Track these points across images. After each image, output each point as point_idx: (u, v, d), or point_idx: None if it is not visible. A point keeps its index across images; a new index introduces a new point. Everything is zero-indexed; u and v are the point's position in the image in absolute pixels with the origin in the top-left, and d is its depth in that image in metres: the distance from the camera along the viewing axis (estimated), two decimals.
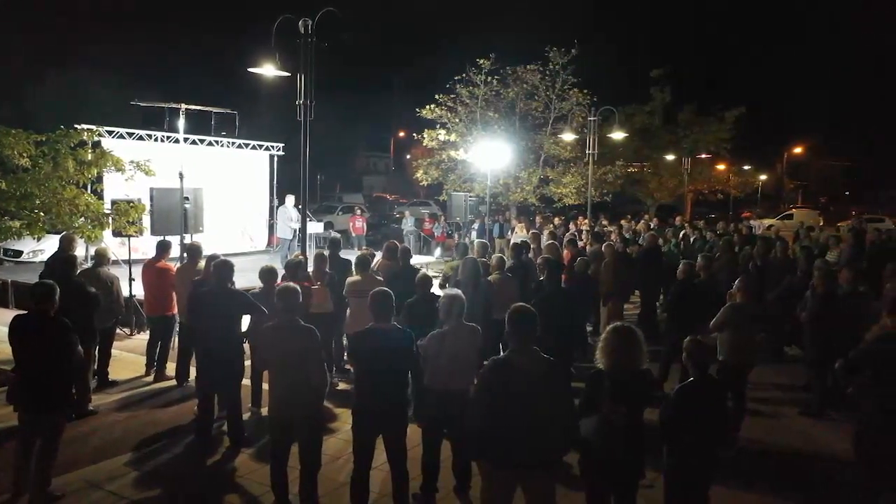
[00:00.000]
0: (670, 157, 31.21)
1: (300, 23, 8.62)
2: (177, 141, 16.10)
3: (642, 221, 20.04)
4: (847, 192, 69.18)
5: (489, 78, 21.46)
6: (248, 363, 6.63)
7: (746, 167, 42.08)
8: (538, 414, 3.73)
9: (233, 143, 19.00)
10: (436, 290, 7.42)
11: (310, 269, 8.13)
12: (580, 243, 12.66)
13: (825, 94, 74.78)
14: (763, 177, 49.19)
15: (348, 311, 7.85)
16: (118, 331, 9.19)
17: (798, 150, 61.75)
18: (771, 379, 8.43)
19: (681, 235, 15.46)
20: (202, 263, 7.77)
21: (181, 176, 10.25)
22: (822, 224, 32.24)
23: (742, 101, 30.98)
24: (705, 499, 4.25)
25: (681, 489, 4.19)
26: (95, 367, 7.78)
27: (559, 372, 3.97)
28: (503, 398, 3.78)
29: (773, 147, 57.05)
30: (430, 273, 9.10)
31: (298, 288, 5.07)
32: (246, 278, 9.00)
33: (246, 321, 6.72)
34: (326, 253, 8.64)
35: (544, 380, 3.80)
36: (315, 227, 18.01)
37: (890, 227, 26.13)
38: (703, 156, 32.97)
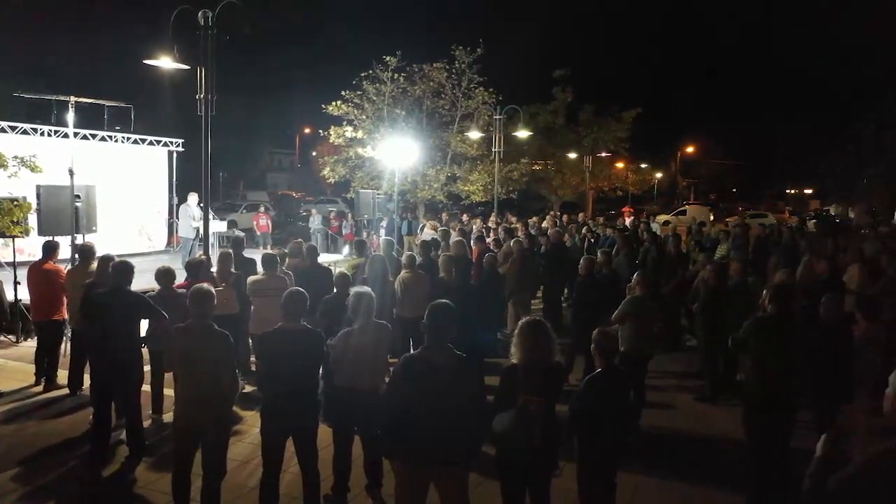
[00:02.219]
0: (573, 156, 32.20)
1: (199, 14, 8.33)
2: (66, 136, 15.17)
3: (548, 218, 20.56)
4: (734, 190, 73.56)
5: (396, 75, 21.44)
6: (147, 368, 6.36)
7: (644, 165, 44.00)
8: (450, 411, 3.75)
9: (128, 139, 18.12)
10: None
11: (213, 269, 7.88)
12: (488, 240, 12.85)
13: (715, 97, 79.18)
14: (659, 175, 51.64)
15: (252, 311, 7.66)
16: (2, 338, 8.61)
17: (690, 149, 65.17)
18: (668, 367, 8.84)
19: (584, 231, 16.00)
20: (95, 265, 7.38)
21: (71, 172, 9.72)
22: (712, 220, 34.09)
23: (638, 102, 32.39)
24: (613, 484, 4.41)
25: (592, 476, 4.33)
26: None
27: (471, 368, 4.02)
28: (416, 395, 3.79)
29: (667, 146, 59.98)
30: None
31: (212, 289, 4.90)
32: (144, 279, 8.60)
33: (144, 325, 6.43)
34: (231, 252, 8.39)
35: (456, 376, 3.83)
36: (218, 226, 17.44)
37: (772, 223, 27.94)
38: (604, 154, 34.23)
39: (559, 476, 4.29)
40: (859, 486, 2.44)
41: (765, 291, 5.51)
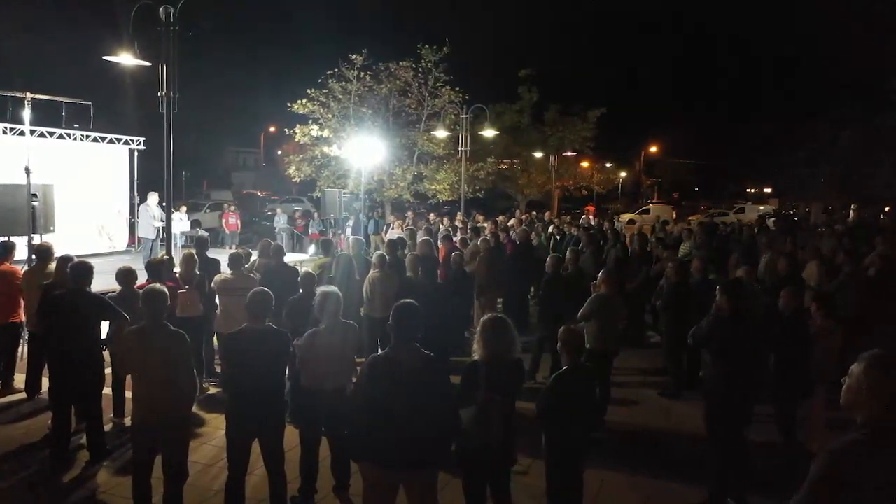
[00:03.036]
0: (538, 155, 32.38)
1: (161, 10, 8.18)
2: (22, 133, 14.78)
3: (514, 218, 20.66)
4: (697, 189, 74.83)
5: (362, 74, 21.34)
6: (108, 371, 6.23)
7: (608, 165, 44.49)
8: (419, 411, 3.74)
9: (87, 137, 17.70)
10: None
11: (176, 269, 7.76)
12: (454, 239, 12.87)
13: (677, 97, 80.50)
14: (623, 174, 52.29)
15: (217, 310, 7.56)
16: None
17: (653, 149, 66.14)
18: (633, 364, 8.96)
19: (550, 230, 16.12)
20: (53, 266, 7.21)
21: (27, 171, 9.47)
22: (675, 218, 34.63)
23: (603, 101, 32.71)
24: (581, 481, 4.45)
25: (559, 472, 4.37)
26: None
27: (438, 368, 4.01)
28: (383, 395, 3.77)
29: (631, 146, 60.80)
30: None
31: (165, 289, 4.81)
32: (104, 280, 8.41)
33: (105, 326, 6.30)
34: (195, 253, 8.26)
35: (424, 376, 3.82)
36: (183, 226, 17.18)
37: (733, 221, 28.49)
38: (569, 153, 34.48)
39: (525, 474, 4.32)
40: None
41: (718, 288, 5.58)
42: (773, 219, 33.98)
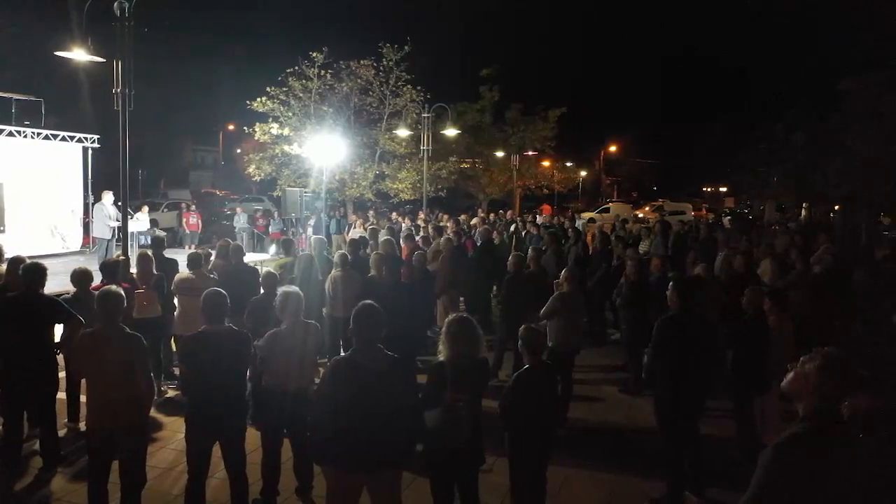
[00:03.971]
0: (500, 154, 32.58)
1: (115, 4, 8.00)
2: None
3: (477, 217, 20.73)
4: (655, 188, 76.07)
5: (322, 72, 21.17)
6: (62, 375, 6.07)
7: (569, 164, 44.95)
8: (382, 414, 3.72)
9: (38, 134, 17.21)
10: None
11: (133, 270, 7.60)
12: (417, 238, 12.86)
13: (635, 98, 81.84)
14: (583, 173, 52.89)
15: (176, 312, 7.43)
16: None
17: (613, 148, 67.06)
18: (593, 361, 9.06)
19: (511, 229, 16.21)
20: (4, 267, 6.99)
21: None
22: (634, 216, 35.12)
23: (563, 101, 33.04)
24: (544, 478, 4.49)
25: (523, 470, 4.40)
26: None
27: (402, 370, 4.00)
28: (346, 398, 3.74)
29: (591, 146, 61.55)
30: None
31: (121, 291, 4.70)
32: (58, 282, 8.21)
33: (59, 329, 6.13)
34: (151, 253, 8.10)
35: (387, 377, 3.80)
36: (139, 226, 16.82)
37: (690, 219, 29.02)
38: (530, 153, 34.76)
39: (489, 472, 4.34)
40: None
41: (670, 284, 5.61)
42: (729, 217, 34.77)
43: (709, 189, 73.14)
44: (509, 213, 23.01)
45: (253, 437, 5.05)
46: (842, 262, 9.85)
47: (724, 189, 66.21)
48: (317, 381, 4.75)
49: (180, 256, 8.47)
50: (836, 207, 27.95)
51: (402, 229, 15.15)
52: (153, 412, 6.26)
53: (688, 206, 39.69)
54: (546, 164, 39.25)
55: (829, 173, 20.85)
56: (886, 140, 18.39)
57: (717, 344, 5.55)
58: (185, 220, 21.24)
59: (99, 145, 18.54)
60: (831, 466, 2.52)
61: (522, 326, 4.62)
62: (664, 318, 5.38)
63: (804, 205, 33.02)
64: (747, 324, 6.15)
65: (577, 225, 17.53)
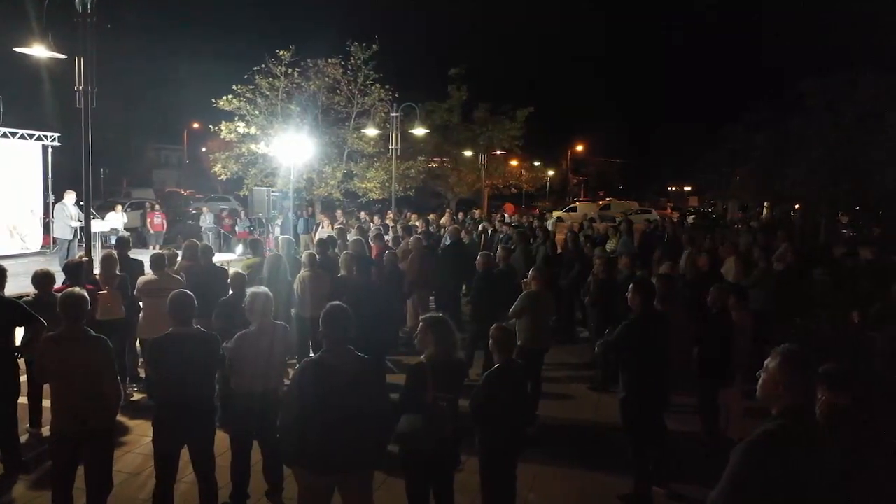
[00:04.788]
0: (468, 153, 32.65)
1: (77, 0, 7.82)
2: None
3: (446, 215, 20.74)
4: (621, 187, 77.02)
5: (290, 70, 20.98)
6: (23, 379, 5.92)
7: (536, 163, 45.24)
8: (353, 415, 3.71)
9: None
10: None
11: (96, 271, 7.45)
12: (386, 237, 12.81)
13: (602, 98, 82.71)
14: (551, 172, 53.31)
15: (140, 314, 7.31)
16: None
17: (580, 148, 67.67)
18: (563, 359, 9.13)
19: (480, 228, 16.25)
20: None
21: None
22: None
23: (531, 101, 33.25)
24: (514, 476, 4.52)
25: (494, 468, 4.42)
26: None
27: (372, 370, 3.99)
28: (316, 399, 3.72)
29: (558, 145, 62.07)
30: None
31: (85, 293, 4.61)
32: (18, 284, 8.03)
33: (20, 333, 5.99)
34: (115, 253, 7.95)
35: (358, 378, 3.79)
36: (101, 226, 16.49)
37: (656, 218, 29.42)
38: (498, 152, 34.89)
39: (462, 470, 4.35)
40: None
41: (631, 286, 5.67)
42: (693, 216, 35.35)
43: (673, 188, 74.33)
44: (477, 211, 23.09)
45: (222, 439, 4.99)
46: (802, 260, 10.09)
47: (688, 188, 67.35)
48: (286, 382, 4.72)
49: (145, 257, 8.32)
50: (797, 206, 28.58)
51: (372, 229, 15.08)
52: (118, 416, 6.14)
53: (633, 205, 40.73)
54: (514, 163, 39.47)
55: (790, 173, 21.31)
56: (844, 140, 18.89)
57: (681, 341, 5.65)
58: (149, 220, 20.88)
59: (60, 144, 18.14)
60: (802, 464, 2.59)
61: (493, 326, 4.63)
62: (627, 324, 5.43)
63: (766, 204, 33.67)
64: (713, 320, 6.27)
65: (546, 224, 17.64)
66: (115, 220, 17.96)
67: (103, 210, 19.72)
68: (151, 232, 20.62)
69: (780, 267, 9.50)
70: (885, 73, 18.24)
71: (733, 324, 6.25)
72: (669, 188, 75.27)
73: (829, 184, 19.70)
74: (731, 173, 29.94)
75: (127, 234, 12.73)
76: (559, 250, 12.27)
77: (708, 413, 6.26)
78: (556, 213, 36.59)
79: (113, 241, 11.55)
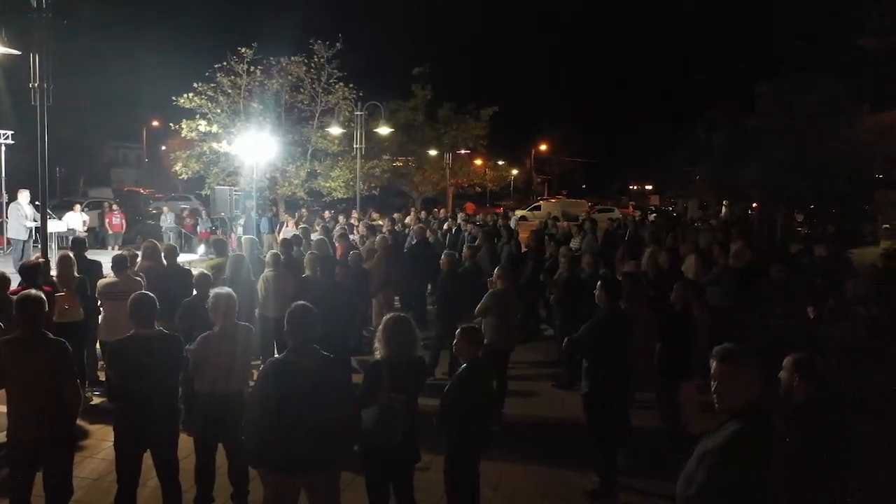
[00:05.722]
0: (433, 153, 32.66)
1: None
2: None
3: (411, 214, 20.71)
4: (584, 186, 77.89)
5: (252, 68, 20.72)
6: None
7: (501, 163, 45.46)
8: (318, 415, 3.70)
9: None
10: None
11: (53, 272, 7.27)
12: (351, 237, 12.76)
13: (564, 99, 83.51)
14: (515, 172, 53.63)
15: (101, 317, 7.16)
16: None
17: (543, 147, 68.18)
18: (528, 357, 9.20)
19: (445, 227, 16.28)
20: None
21: None
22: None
23: (495, 101, 33.39)
24: (477, 474, 4.55)
25: (459, 467, 4.44)
26: None
27: (338, 370, 3.98)
28: (282, 400, 3.70)
29: (522, 145, 62.51)
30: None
31: (42, 296, 4.50)
32: None
33: None
34: (72, 254, 7.77)
35: (323, 379, 3.78)
36: (57, 226, 16.09)
37: (618, 217, 29.81)
38: (463, 151, 34.98)
39: (427, 470, 4.36)
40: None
41: (598, 284, 5.76)
42: (655, 214, 35.91)
43: (635, 187, 75.41)
44: (442, 211, 23.11)
45: (186, 442, 4.92)
46: (760, 258, 10.33)
47: (649, 187, 68.40)
48: (251, 383, 4.68)
49: (103, 258, 8.16)
50: (754, 205, 29.25)
51: (336, 228, 15.00)
52: (79, 420, 6.02)
53: (582, 203, 41.57)
54: (478, 162, 39.61)
55: (747, 173, 21.81)
56: (798, 140, 19.40)
57: (645, 338, 5.75)
58: (107, 220, 20.43)
59: (13, 142, 17.63)
60: (768, 466, 2.67)
61: (460, 327, 4.66)
62: (593, 322, 5.52)
63: (724, 202, 34.39)
64: (676, 317, 6.39)
65: (510, 223, 17.74)
66: (74, 220, 17.56)
67: (60, 210, 19.27)
68: (110, 232, 20.21)
69: (738, 264, 9.71)
70: (836, 76, 18.81)
71: (692, 320, 6.38)
72: (631, 187, 76.36)
73: (785, 183, 20.22)
74: (692, 172, 30.52)
75: (84, 234, 12.47)
76: (524, 249, 12.37)
77: (669, 410, 6.37)
78: (518, 212, 36.81)
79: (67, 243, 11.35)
